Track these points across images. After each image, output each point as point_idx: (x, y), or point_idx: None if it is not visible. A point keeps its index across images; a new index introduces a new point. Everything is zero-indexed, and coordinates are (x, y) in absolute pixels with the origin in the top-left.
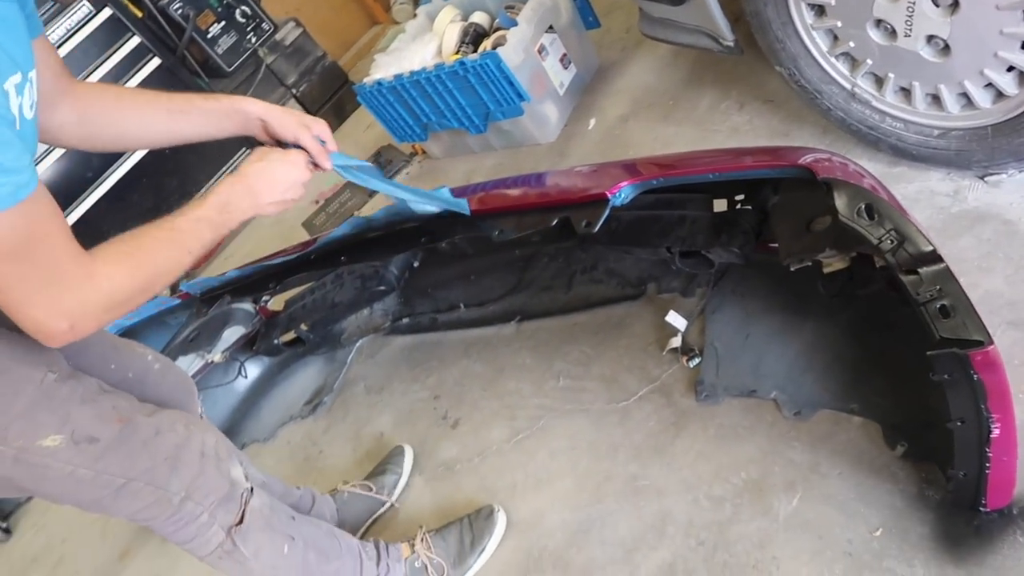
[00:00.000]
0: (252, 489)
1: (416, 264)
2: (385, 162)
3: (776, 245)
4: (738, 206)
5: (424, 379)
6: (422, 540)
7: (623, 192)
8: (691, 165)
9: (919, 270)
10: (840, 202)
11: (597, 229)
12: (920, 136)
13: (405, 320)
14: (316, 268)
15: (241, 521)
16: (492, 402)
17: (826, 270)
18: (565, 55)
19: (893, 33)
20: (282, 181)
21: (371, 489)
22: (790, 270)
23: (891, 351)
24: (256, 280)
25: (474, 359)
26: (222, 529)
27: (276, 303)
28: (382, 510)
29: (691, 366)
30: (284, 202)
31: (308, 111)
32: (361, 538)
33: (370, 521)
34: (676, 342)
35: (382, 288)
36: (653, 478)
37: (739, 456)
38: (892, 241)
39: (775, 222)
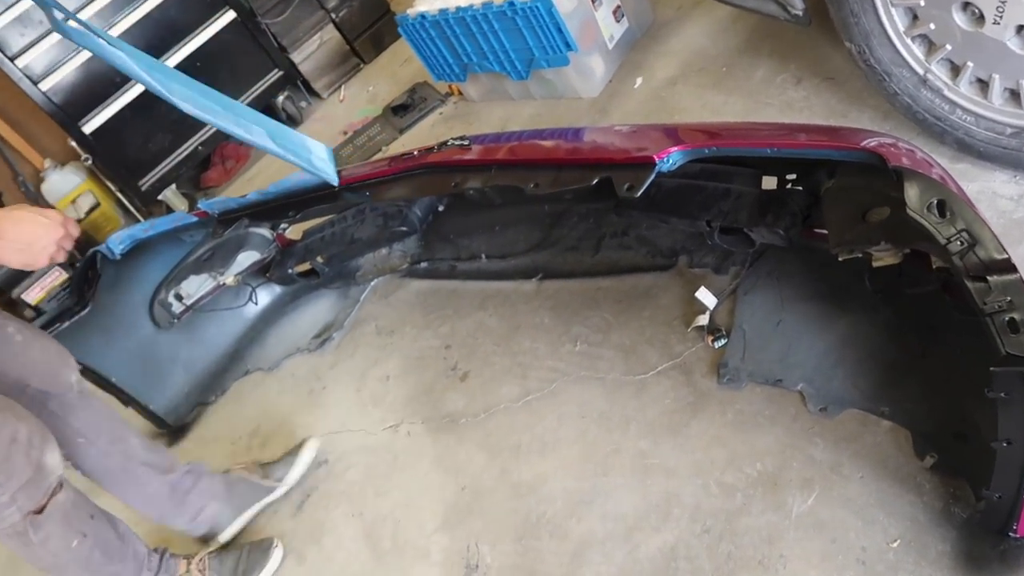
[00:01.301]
0: (62, 485)
1: (441, 208)
2: (419, 100)
3: (824, 231)
4: (788, 186)
5: (437, 327)
6: (200, 560)
7: (672, 158)
8: (749, 137)
9: (988, 278)
10: (911, 193)
11: (639, 194)
12: (991, 133)
13: (423, 264)
14: (339, 201)
15: (41, 510)
16: (504, 359)
17: (875, 264)
18: (619, 7)
19: (980, 18)
20: (31, 232)
21: (265, 476)
22: (837, 259)
23: (931, 356)
24: (276, 207)
25: (490, 312)
26: (20, 512)
27: (294, 232)
28: (269, 498)
29: (716, 347)
30: (32, 254)
31: (346, 38)
32: (247, 525)
33: (259, 507)
34: (703, 320)
35: (404, 229)
36: (663, 457)
37: (756, 446)
38: (962, 243)
39: (827, 207)
